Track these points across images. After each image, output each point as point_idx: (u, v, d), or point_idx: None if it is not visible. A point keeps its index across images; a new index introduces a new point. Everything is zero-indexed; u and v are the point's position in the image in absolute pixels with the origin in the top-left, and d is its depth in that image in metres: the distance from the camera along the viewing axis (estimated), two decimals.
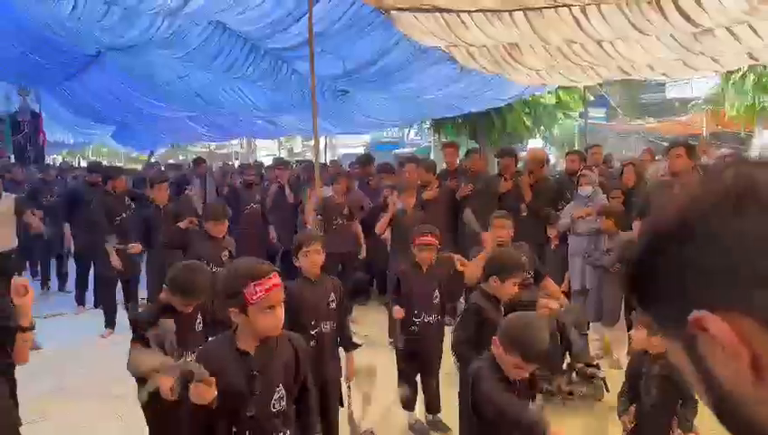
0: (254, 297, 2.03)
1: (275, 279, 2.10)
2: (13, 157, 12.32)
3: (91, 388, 4.90)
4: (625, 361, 5.29)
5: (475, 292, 3.50)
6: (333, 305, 3.49)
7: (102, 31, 8.68)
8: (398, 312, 4.05)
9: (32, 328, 2.63)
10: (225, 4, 6.62)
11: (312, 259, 3.42)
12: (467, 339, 3.26)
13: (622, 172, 6.54)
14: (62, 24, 8.91)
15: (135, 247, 6.07)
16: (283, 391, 2.17)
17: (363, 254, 6.92)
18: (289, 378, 2.20)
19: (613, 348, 5.46)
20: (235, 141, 28.58)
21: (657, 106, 22.25)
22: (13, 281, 2.55)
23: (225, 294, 2.12)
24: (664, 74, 8.27)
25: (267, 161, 17.98)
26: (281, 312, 2.11)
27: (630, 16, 5.47)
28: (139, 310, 4.57)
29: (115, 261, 6.26)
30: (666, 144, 8.61)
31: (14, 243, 6.05)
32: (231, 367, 2.09)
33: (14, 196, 6.35)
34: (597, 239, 5.46)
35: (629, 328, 5.66)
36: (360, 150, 22.44)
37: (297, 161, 10.53)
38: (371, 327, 6.25)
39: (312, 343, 3.33)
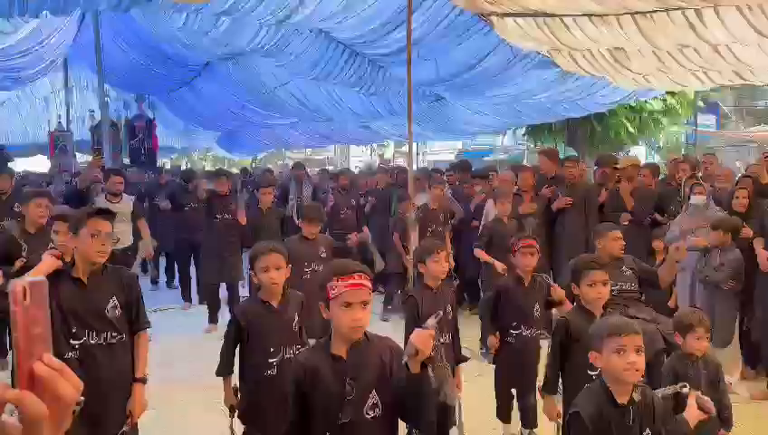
0: (334, 291, 2.00)
1: (361, 280, 2.03)
2: (128, 160, 13.23)
3: (194, 381, 5.13)
4: (739, 385, 4.93)
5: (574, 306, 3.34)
6: (450, 316, 3.43)
7: (212, 41, 9.19)
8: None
9: None
10: (328, 13, 6.80)
11: (439, 267, 3.41)
12: (552, 358, 3.17)
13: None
14: (176, 36, 9.52)
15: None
16: (377, 398, 2.07)
17: (452, 262, 6.84)
18: (383, 385, 2.09)
19: (725, 371, 5.07)
20: (330, 147, 29.30)
21: None
22: None
23: (318, 288, 2.11)
24: None
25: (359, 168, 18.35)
26: (360, 313, 2.00)
27: (752, 18, 5.09)
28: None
29: (242, 217, 6.42)
30: None
31: (130, 241, 6.50)
32: (325, 372, 2.05)
33: (132, 198, 6.81)
34: (709, 254, 5.11)
35: (743, 349, 5.28)
36: (451, 158, 22.27)
37: (381, 167, 10.73)
38: (462, 337, 6.15)
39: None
